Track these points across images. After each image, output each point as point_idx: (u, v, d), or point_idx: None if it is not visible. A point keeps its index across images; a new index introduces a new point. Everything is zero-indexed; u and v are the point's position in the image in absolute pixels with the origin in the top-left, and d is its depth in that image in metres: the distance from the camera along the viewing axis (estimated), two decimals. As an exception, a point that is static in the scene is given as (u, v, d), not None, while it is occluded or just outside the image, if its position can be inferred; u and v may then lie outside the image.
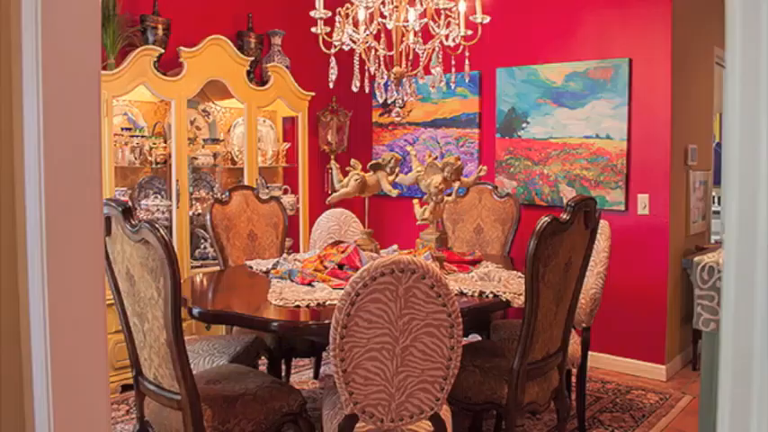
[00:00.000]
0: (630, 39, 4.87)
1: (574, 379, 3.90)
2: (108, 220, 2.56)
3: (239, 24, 5.50)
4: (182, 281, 2.52)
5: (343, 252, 3.57)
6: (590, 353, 3.93)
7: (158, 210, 4.85)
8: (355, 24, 3.57)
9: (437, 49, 3.66)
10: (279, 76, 5.42)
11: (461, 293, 3.09)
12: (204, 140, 5.29)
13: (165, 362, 2.50)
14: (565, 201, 4.28)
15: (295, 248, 5.60)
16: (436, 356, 2.44)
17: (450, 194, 3.81)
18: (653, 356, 4.87)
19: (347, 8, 3.58)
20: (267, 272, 3.67)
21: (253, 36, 5.46)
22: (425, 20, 3.58)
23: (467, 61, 3.73)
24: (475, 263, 3.80)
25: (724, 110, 1.02)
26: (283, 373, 4.22)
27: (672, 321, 4.92)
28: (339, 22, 3.56)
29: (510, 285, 3.21)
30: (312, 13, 3.51)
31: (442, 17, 3.58)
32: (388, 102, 3.88)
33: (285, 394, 2.83)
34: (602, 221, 3.62)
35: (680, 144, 4.94)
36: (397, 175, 3.87)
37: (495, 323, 4.06)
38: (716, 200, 7.20)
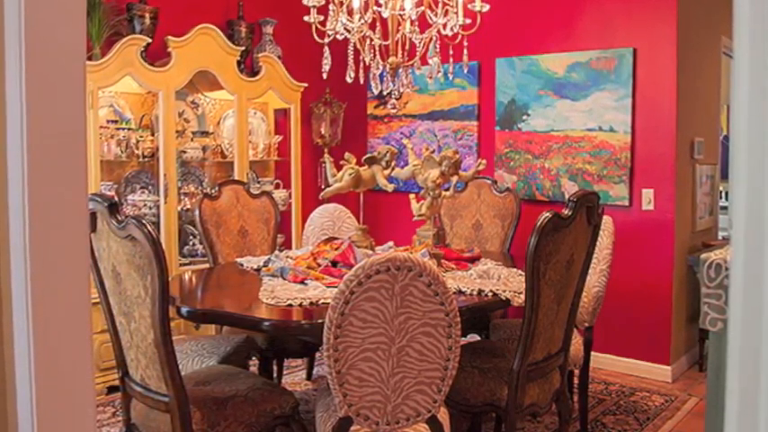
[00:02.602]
0: (635, 28, 4.87)
1: (576, 380, 3.91)
2: (93, 215, 2.55)
3: (229, 13, 5.49)
4: (170, 279, 2.52)
5: (336, 249, 3.57)
6: (592, 353, 3.94)
7: (145, 205, 4.85)
8: (349, 13, 3.57)
9: (434, 38, 3.66)
10: (270, 66, 5.41)
11: (460, 292, 3.09)
12: (193, 133, 5.28)
13: (153, 362, 2.49)
14: (566, 196, 4.28)
15: (287, 245, 5.60)
16: (433, 357, 2.44)
17: (447, 189, 3.81)
18: (658, 357, 4.88)
19: (341, -4, 3.58)
20: (258, 269, 3.67)
21: (243, 25, 5.45)
22: (422, 8, 3.58)
23: (465, 51, 3.73)
24: (473, 260, 3.80)
25: (731, 101, 1.02)
26: (275, 375, 4.23)
27: (677, 321, 4.93)
28: (333, 10, 3.55)
29: (510, 283, 3.22)
30: (305, 1, 3.50)
31: (440, 5, 3.58)
32: (384, 93, 3.88)
33: (277, 396, 2.84)
34: (605, 217, 3.62)
35: (686, 137, 4.95)
36: (392, 170, 3.87)
37: (494, 322, 4.06)
38: (723, 195, 7.21)
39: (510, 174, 5.49)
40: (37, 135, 1.41)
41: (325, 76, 3.67)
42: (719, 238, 5.84)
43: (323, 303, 2.84)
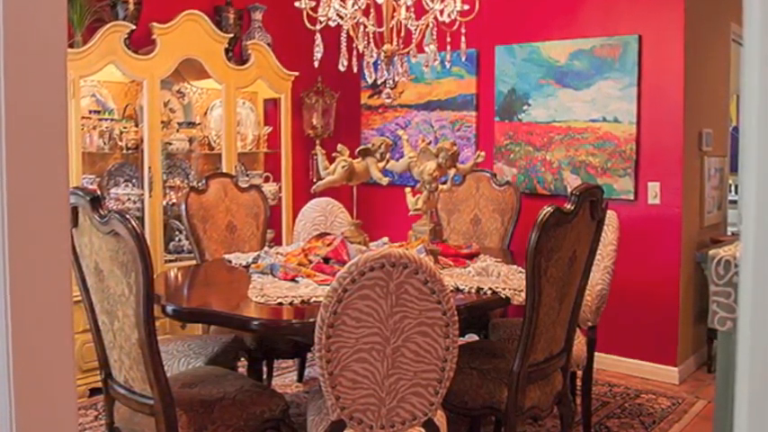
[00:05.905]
0: (640, 14, 4.87)
1: (579, 382, 3.92)
2: (75, 210, 2.55)
3: (217, -2, 5.48)
4: (155, 276, 2.52)
5: (329, 245, 3.57)
6: (596, 354, 3.95)
7: (129, 199, 4.84)
8: (343, -2, 3.56)
9: (431, 25, 3.65)
10: (260, 54, 5.40)
11: (457, 290, 3.09)
12: (179, 124, 5.27)
13: (137, 364, 2.49)
14: (569, 189, 4.29)
15: (277, 241, 5.59)
16: (430, 358, 2.44)
17: (445, 183, 3.81)
18: (664, 358, 4.89)
19: (334, -20, 3.57)
20: (247, 266, 3.66)
21: (231, 11, 5.43)
22: (419, -7, 3.58)
23: (463, 38, 3.72)
24: (472, 257, 3.80)
25: (741, 91, 1.02)
26: (265, 376, 4.23)
27: (685, 320, 4.94)
28: (325, -5, 3.54)
29: (510, 281, 3.22)
30: (296, -14, 3.50)
31: (437, -10, 3.58)
32: (378, 82, 3.88)
33: (267, 398, 2.84)
34: (609, 212, 3.63)
35: (693, 128, 4.95)
36: (387, 162, 3.87)
37: (493, 322, 4.07)
38: (733, 188, 7.24)
39: (510, 166, 5.49)
40: (15, 126, 1.40)
41: (316, 64, 3.66)
42: (729, 233, 5.85)
43: (314, 302, 2.84)
